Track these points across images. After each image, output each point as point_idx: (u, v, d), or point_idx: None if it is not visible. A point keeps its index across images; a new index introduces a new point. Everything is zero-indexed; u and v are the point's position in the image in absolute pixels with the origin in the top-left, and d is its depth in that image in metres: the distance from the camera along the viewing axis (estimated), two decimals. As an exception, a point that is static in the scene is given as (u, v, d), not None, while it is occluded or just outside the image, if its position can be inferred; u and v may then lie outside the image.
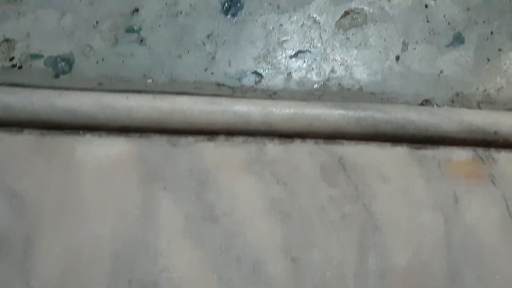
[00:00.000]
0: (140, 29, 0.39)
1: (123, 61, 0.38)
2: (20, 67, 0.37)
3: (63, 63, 0.38)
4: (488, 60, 0.42)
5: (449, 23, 0.42)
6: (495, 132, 0.38)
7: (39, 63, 0.37)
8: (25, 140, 0.35)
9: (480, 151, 0.39)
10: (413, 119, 0.38)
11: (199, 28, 0.40)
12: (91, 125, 0.36)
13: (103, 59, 0.38)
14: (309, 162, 0.37)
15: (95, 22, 0.39)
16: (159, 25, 0.40)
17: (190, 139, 0.37)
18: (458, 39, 0.42)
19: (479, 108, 0.40)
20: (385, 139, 0.38)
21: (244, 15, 0.41)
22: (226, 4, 0.41)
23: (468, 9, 0.43)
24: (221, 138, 0.37)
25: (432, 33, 0.42)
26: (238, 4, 0.41)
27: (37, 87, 0.36)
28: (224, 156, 0.36)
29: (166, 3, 0.40)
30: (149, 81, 0.38)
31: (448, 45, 0.42)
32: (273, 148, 0.37)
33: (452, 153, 0.38)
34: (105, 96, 0.36)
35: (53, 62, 0.38)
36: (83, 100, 0.35)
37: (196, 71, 0.39)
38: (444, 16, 0.42)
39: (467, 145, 0.39)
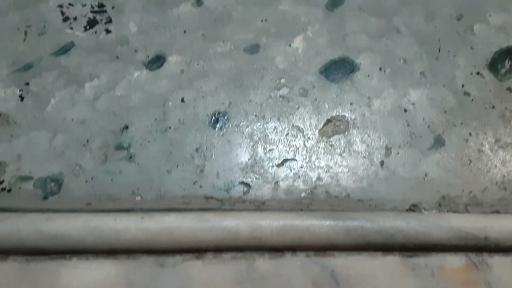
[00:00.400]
0: (129, 145, 0.40)
1: (112, 179, 0.39)
2: (9, 190, 0.38)
3: (52, 184, 0.38)
4: (470, 161, 0.43)
5: (428, 126, 0.44)
6: (485, 238, 0.38)
7: (29, 185, 0.38)
8: (9, 268, 0.34)
9: (473, 256, 0.38)
10: (402, 228, 0.38)
11: (188, 142, 0.41)
12: (78, 249, 0.35)
13: (92, 178, 0.39)
14: (301, 278, 0.36)
15: (86, 141, 0.40)
16: (149, 141, 0.41)
17: (178, 258, 0.36)
18: (439, 142, 0.43)
19: (467, 211, 0.41)
20: (376, 249, 0.38)
21: (231, 127, 0.42)
22: (214, 117, 0.43)
23: (445, 111, 0.45)
24: (209, 255, 0.36)
25: (413, 136, 0.44)
26: (226, 117, 0.43)
27: (25, 210, 0.36)
28: (212, 275, 0.35)
29: (156, 119, 0.42)
30: (138, 198, 0.38)
31: (430, 148, 0.43)
32: (263, 263, 0.37)
33: (444, 260, 0.38)
34: (93, 219, 0.35)
35: (43, 183, 0.38)
36: (71, 224, 0.35)
37: (185, 185, 0.40)
38: (423, 119, 0.44)
39: (459, 250, 0.38)
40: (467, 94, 0.46)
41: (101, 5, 0.48)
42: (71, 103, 0.41)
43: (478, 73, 0.46)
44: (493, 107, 0.45)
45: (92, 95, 0.42)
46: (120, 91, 0.43)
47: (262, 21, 0.48)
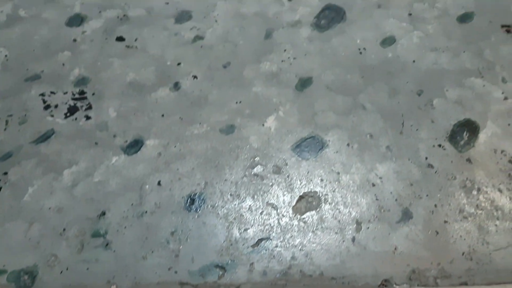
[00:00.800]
0: (106, 232, 0.41)
1: (87, 269, 0.39)
2: (-19, 286, 0.38)
3: (26, 277, 0.38)
4: (437, 233, 0.44)
5: (396, 199, 0.46)
6: (456, 314, 0.39)
7: (2, 280, 0.38)
8: None
9: (446, 333, 0.39)
10: (375, 307, 0.38)
11: (163, 225, 0.42)
12: None
13: (67, 268, 0.39)
14: None
15: (62, 230, 0.41)
16: (125, 227, 0.42)
17: None
18: (406, 215, 0.45)
19: (436, 284, 0.42)
20: (351, 330, 0.38)
21: (207, 208, 0.44)
22: (190, 199, 0.44)
23: (411, 184, 0.47)
24: None
25: (382, 210, 0.45)
26: (201, 198, 0.44)
27: (-3, 307, 0.36)
28: None
29: (132, 204, 0.43)
30: (113, 287, 0.39)
31: (399, 221, 0.45)
32: None
33: (418, 338, 0.39)
34: (67, 313, 0.35)
35: (16, 276, 0.38)
36: (43, 320, 0.35)
37: (160, 271, 0.40)
38: (391, 193, 0.46)
39: (432, 327, 0.39)
40: (430, 166, 0.48)
41: (82, 92, 0.51)
42: (49, 191, 0.42)
43: (439, 145, 0.49)
44: (455, 178, 0.48)
45: (71, 182, 0.43)
46: (98, 177, 0.44)
47: (236, 103, 0.51)
